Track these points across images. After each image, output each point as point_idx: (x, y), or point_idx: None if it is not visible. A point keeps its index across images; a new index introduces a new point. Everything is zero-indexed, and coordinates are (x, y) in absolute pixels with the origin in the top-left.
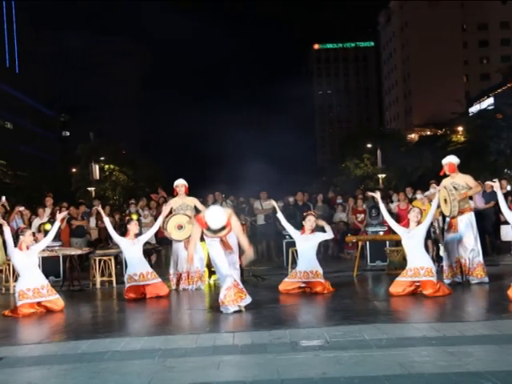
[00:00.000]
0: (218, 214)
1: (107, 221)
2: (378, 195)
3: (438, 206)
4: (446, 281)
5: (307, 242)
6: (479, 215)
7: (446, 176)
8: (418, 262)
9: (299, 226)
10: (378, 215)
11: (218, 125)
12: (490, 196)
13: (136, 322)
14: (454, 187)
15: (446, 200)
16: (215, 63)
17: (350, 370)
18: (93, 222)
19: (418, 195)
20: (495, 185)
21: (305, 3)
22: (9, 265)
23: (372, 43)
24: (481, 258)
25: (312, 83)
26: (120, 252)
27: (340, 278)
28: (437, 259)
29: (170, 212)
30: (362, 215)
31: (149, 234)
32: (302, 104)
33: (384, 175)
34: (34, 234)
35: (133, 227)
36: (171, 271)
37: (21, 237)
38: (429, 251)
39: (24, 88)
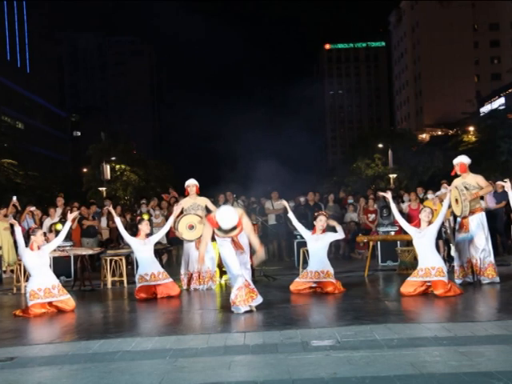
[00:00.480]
0: (229, 214)
1: (118, 221)
2: (389, 195)
3: (449, 206)
4: (457, 281)
5: (318, 242)
6: (490, 215)
7: (457, 176)
8: (429, 262)
9: (310, 226)
10: (389, 215)
11: (228, 125)
12: (501, 196)
13: (147, 321)
14: (465, 187)
15: (457, 200)
16: (227, 63)
17: (361, 370)
18: (104, 222)
19: (429, 195)
20: (506, 185)
21: (316, 3)
22: (20, 265)
23: (383, 43)
24: (492, 258)
25: (323, 83)
26: (131, 252)
27: (351, 278)
28: (448, 259)
29: (181, 212)
30: (373, 215)
31: (160, 234)
32: (313, 104)
33: (395, 175)
34: (45, 234)
35: (144, 227)
36: (182, 271)
37: (32, 237)
38: (440, 251)
39: (35, 88)
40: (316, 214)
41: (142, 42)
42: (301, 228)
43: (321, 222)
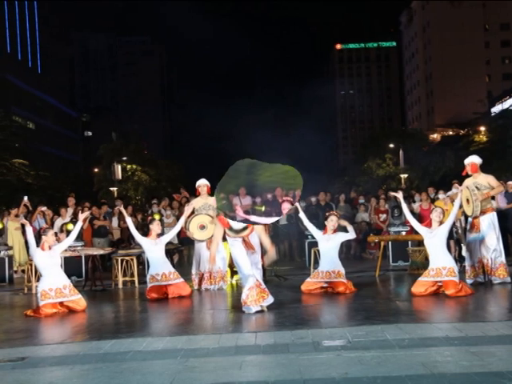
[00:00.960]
0: None
1: (129, 221)
2: (400, 195)
3: (461, 206)
4: (468, 281)
5: (329, 242)
6: (501, 215)
7: (468, 176)
8: (441, 262)
9: (321, 226)
10: (401, 215)
11: (239, 125)
12: None
13: (158, 321)
14: (477, 187)
15: (468, 200)
16: (238, 64)
17: (372, 370)
18: (115, 222)
19: (441, 195)
20: None
21: (327, 4)
22: (31, 265)
23: (394, 43)
24: (503, 258)
25: (334, 83)
26: (142, 252)
27: (362, 278)
28: (459, 259)
29: (193, 212)
30: (385, 215)
31: (171, 234)
32: (325, 104)
33: (406, 175)
34: (56, 234)
35: (155, 227)
36: (193, 271)
37: (43, 237)
38: (451, 251)
39: (46, 88)
40: (327, 214)
41: (152, 42)
42: (312, 228)
43: (332, 222)
